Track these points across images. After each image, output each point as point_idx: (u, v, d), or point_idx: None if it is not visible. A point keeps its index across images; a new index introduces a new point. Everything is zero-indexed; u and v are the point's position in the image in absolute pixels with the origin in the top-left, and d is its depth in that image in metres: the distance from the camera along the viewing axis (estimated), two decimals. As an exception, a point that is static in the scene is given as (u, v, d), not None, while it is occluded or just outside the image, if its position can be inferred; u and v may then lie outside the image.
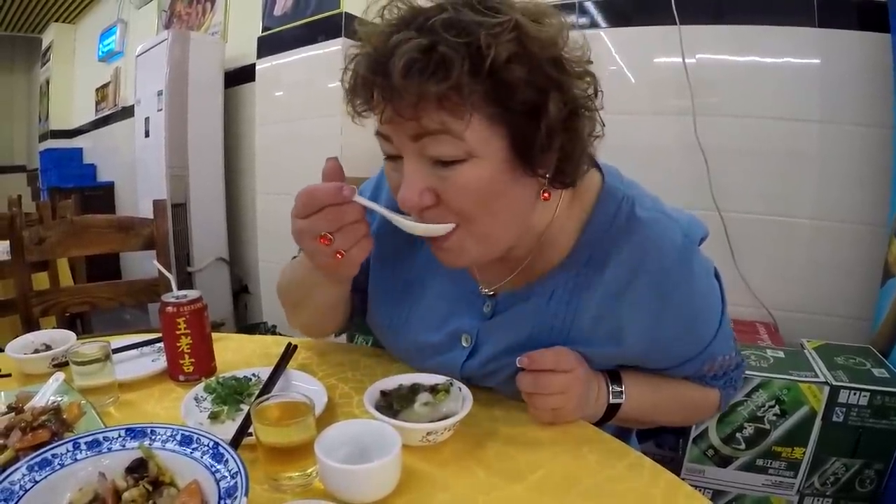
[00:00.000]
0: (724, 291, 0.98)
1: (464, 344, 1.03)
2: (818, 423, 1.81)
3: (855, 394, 1.76)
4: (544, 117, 0.74)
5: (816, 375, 1.82)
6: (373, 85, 0.76)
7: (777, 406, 1.83)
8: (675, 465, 1.94)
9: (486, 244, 0.85)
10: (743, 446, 1.89)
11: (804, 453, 1.84)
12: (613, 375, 0.98)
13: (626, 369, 1.00)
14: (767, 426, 1.85)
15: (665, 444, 2.28)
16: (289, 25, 3.39)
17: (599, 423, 0.99)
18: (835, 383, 1.78)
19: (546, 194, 0.88)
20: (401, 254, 1.08)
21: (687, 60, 2.36)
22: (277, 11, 3.47)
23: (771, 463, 1.89)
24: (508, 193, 0.81)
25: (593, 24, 2.58)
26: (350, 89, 0.83)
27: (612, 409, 0.98)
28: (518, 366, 0.90)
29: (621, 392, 0.97)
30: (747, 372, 1.83)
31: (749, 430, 1.87)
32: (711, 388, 1.08)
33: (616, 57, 2.54)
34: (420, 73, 0.69)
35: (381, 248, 1.06)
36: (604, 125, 0.84)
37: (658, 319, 0.90)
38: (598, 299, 0.91)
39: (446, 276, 1.04)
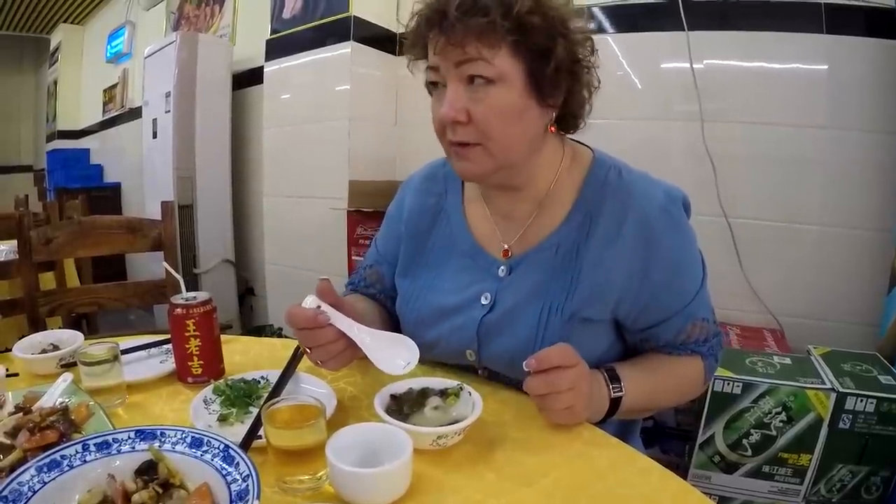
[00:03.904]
0: (705, 264, 1.12)
1: (483, 302, 1.13)
2: (825, 429, 1.81)
3: (861, 401, 1.76)
4: (553, 58, 0.96)
5: (823, 382, 1.82)
6: (433, 22, 0.96)
7: (784, 412, 1.82)
8: (680, 472, 1.91)
9: (498, 160, 1.02)
10: (749, 453, 1.89)
11: (810, 460, 1.84)
12: (609, 372, 1.03)
13: (620, 363, 1.08)
14: (774, 433, 1.85)
15: (671, 450, 2.28)
16: (297, 28, 3.39)
17: (603, 420, 1.02)
18: (841, 390, 1.77)
19: (552, 128, 1.09)
20: (427, 231, 1.25)
21: (695, 66, 2.36)
22: (286, 14, 3.47)
23: (777, 470, 1.88)
24: (524, 117, 1.00)
25: (600, 30, 2.57)
26: (413, 33, 1.04)
27: (614, 405, 1.02)
28: (525, 369, 0.91)
29: (621, 386, 1.02)
30: (754, 379, 1.83)
31: (755, 436, 1.86)
32: (695, 357, 1.14)
33: (623, 62, 2.54)
34: (466, 12, 0.92)
35: (412, 224, 1.26)
36: (600, 81, 1.06)
37: (645, 264, 1.04)
38: (595, 249, 1.05)
39: (464, 253, 1.19)
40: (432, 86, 1.04)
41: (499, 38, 0.93)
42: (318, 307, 0.97)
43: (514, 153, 1.03)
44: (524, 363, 0.91)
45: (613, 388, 1.01)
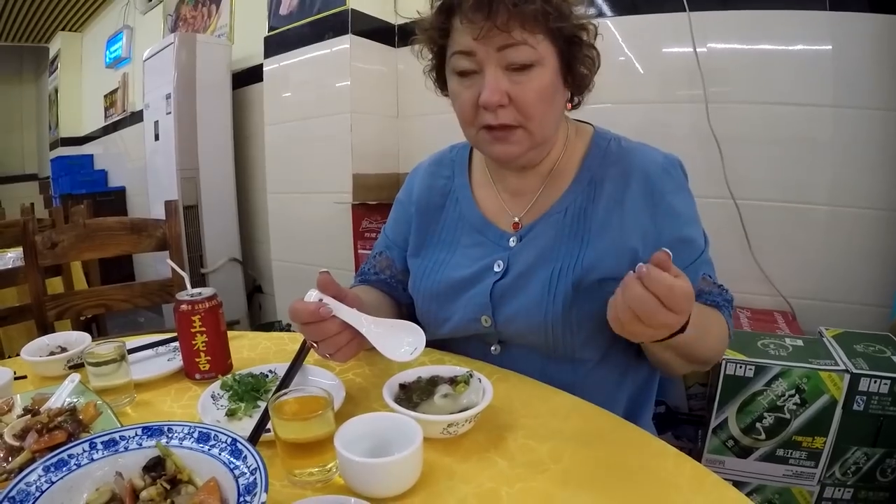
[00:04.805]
0: (706, 233, 1.15)
1: (496, 269, 1.16)
2: (839, 411, 1.79)
3: (875, 381, 1.74)
4: (582, 42, 1.05)
5: (836, 363, 1.80)
6: (481, 7, 0.97)
7: (797, 395, 1.80)
8: (694, 457, 1.91)
9: (535, 139, 1.07)
10: (763, 436, 1.87)
11: (825, 443, 1.82)
12: None
13: None
14: (787, 415, 1.83)
15: (683, 435, 2.27)
16: (295, 24, 3.38)
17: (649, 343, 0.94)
18: (855, 371, 1.75)
19: (569, 104, 1.15)
20: (437, 211, 1.29)
21: (698, 49, 2.34)
22: (283, 11, 3.46)
23: (791, 453, 1.86)
24: (556, 97, 1.07)
25: (599, 14, 2.55)
26: (434, 18, 1.07)
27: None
28: (633, 272, 0.81)
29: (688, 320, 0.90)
30: (766, 361, 1.81)
31: (769, 419, 1.85)
32: (713, 308, 1.12)
33: (623, 46, 2.52)
34: None
35: (422, 203, 1.30)
36: (600, 62, 1.11)
37: (654, 221, 1.09)
38: (603, 210, 1.11)
39: (475, 230, 1.23)
40: (462, 73, 1.06)
41: (541, 24, 0.99)
42: (321, 300, 0.96)
43: (549, 131, 1.10)
44: (638, 266, 0.81)
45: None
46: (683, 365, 1.09)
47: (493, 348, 1.19)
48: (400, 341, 0.99)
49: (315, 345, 1.00)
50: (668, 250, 0.80)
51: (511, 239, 1.17)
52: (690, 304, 0.80)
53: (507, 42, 0.99)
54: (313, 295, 0.97)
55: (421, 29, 1.12)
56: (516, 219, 1.19)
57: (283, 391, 0.84)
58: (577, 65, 1.07)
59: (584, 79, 1.10)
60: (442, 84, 1.17)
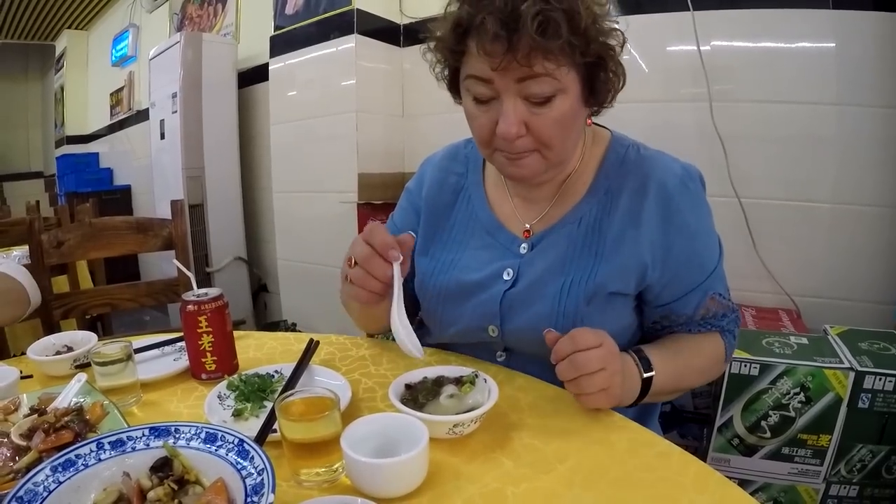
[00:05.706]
0: (721, 244, 1.14)
1: (505, 277, 1.13)
2: (844, 409, 1.78)
3: (880, 379, 1.73)
4: (608, 66, 1.00)
5: (841, 361, 1.80)
6: (500, 39, 0.91)
7: (802, 393, 1.80)
8: (699, 455, 1.90)
9: (552, 162, 1.04)
10: (768, 434, 1.87)
11: (830, 440, 1.82)
12: (638, 353, 1.03)
13: (645, 345, 1.08)
14: (793, 414, 1.83)
15: (689, 434, 2.27)
16: (301, 24, 3.39)
17: (635, 403, 1.02)
18: (860, 369, 1.75)
19: (589, 120, 1.13)
20: (447, 208, 1.27)
21: (701, 47, 2.34)
22: (289, 10, 3.47)
23: (797, 451, 1.86)
24: (577, 120, 1.04)
25: (604, 13, 2.55)
26: (449, 38, 1.00)
27: (644, 386, 1.01)
28: (547, 343, 0.93)
29: (650, 364, 1.01)
30: (771, 359, 1.81)
31: (774, 417, 1.85)
32: (714, 334, 1.15)
33: (628, 45, 2.49)
34: (543, 33, 0.89)
35: (431, 198, 1.28)
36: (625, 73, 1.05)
37: (666, 237, 1.06)
38: (618, 222, 1.08)
39: (486, 231, 1.20)
40: (478, 101, 1.02)
41: (566, 55, 0.93)
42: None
43: (567, 153, 1.09)
44: (544, 331, 0.94)
45: (644, 367, 1.00)
46: (677, 395, 1.18)
47: (498, 355, 1.18)
48: (412, 339, 1.01)
49: (351, 263, 1.03)
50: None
51: (522, 246, 1.15)
52: (588, 336, 0.91)
53: (527, 74, 0.93)
54: (397, 255, 1.00)
55: (433, 37, 1.05)
56: (527, 226, 1.16)
57: (290, 392, 0.84)
58: (601, 85, 1.02)
59: (608, 96, 1.05)
60: (456, 93, 1.12)
